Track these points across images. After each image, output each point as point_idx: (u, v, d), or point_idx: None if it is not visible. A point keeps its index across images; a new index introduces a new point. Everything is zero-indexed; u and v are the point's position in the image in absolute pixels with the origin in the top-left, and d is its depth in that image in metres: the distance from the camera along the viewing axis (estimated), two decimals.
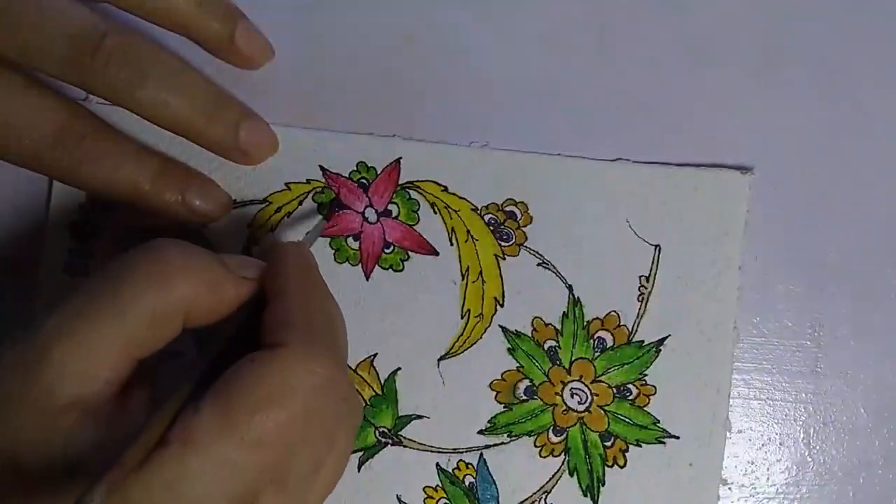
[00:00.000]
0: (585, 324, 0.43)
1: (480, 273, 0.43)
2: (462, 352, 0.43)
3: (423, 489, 0.43)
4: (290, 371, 0.32)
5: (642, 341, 0.43)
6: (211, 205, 0.43)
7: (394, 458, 0.43)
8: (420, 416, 0.43)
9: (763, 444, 0.44)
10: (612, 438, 0.43)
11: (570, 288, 0.43)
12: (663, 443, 0.43)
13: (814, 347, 0.44)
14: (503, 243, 0.44)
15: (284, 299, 0.36)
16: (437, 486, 0.43)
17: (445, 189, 0.44)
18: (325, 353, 0.34)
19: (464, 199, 0.44)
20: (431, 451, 0.43)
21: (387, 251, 0.44)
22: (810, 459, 0.44)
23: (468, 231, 0.44)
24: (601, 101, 0.44)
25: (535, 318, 0.43)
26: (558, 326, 0.43)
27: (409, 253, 0.44)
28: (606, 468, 0.43)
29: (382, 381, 0.43)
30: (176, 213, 0.42)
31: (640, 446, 0.43)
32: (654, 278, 0.43)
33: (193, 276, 0.34)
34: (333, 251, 0.44)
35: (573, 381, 0.43)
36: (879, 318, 0.44)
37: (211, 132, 0.41)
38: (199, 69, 0.42)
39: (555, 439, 0.43)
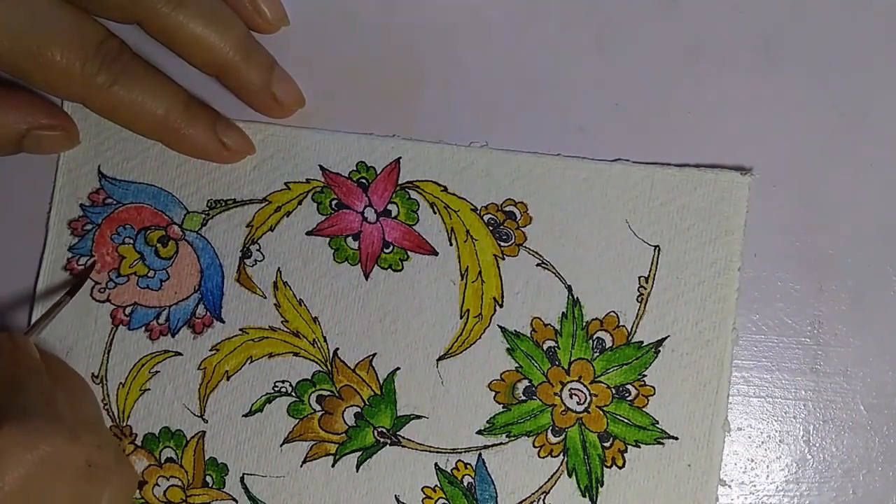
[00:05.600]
0: (584, 324, 0.43)
1: (480, 273, 0.43)
2: (461, 352, 0.43)
3: (422, 489, 0.43)
4: (2, 450, 0.33)
5: (641, 342, 0.43)
6: (239, 142, 0.43)
7: (392, 458, 0.43)
8: (419, 416, 0.43)
9: (763, 442, 0.44)
10: (611, 439, 0.43)
11: (569, 288, 0.43)
12: (662, 444, 0.43)
13: (813, 345, 0.44)
14: (502, 243, 0.44)
15: None
16: (436, 486, 0.43)
17: (445, 189, 0.44)
18: (48, 428, 0.34)
19: (463, 199, 0.44)
20: (430, 452, 0.43)
21: (386, 251, 0.44)
22: (810, 457, 0.44)
23: (467, 231, 0.44)
24: (601, 101, 0.44)
25: (535, 318, 0.43)
26: (557, 327, 0.43)
27: (409, 253, 0.44)
28: (605, 469, 0.43)
29: (381, 381, 0.43)
30: (203, 147, 0.42)
31: (639, 447, 0.43)
32: (654, 279, 0.43)
33: None
34: (333, 251, 0.44)
35: (572, 381, 0.43)
36: (879, 316, 0.44)
37: (249, 71, 0.41)
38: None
39: (553, 440, 0.43)
